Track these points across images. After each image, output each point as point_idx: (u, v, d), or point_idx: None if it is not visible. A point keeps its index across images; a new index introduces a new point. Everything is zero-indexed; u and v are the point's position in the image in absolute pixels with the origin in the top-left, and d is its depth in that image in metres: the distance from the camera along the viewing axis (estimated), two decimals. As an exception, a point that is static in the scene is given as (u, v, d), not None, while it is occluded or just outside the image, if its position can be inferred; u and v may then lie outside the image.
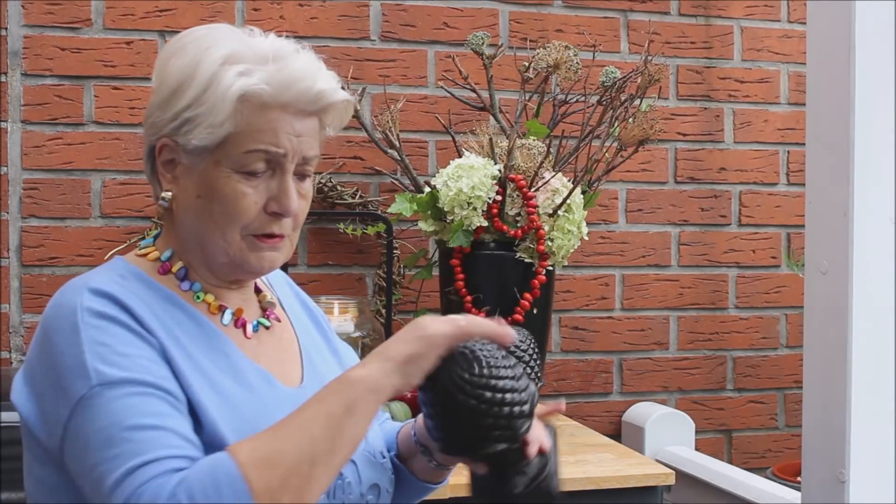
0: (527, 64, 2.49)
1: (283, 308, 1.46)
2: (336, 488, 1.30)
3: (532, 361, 2.12)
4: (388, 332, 2.43)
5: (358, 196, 2.60)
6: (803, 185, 2.07)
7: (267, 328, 1.39)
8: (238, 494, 1.09)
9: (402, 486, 1.44)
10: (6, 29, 2.42)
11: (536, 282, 2.29)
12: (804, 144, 2.02)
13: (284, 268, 1.46)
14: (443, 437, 1.22)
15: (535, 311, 2.29)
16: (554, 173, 2.34)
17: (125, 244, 2.46)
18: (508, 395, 1.17)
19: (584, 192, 2.38)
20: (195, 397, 1.21)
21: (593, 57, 2.56)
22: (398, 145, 2.43)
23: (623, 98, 2.48)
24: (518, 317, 2.27)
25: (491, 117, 2.55)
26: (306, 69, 1.28)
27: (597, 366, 2.82)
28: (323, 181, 2.53)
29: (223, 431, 1.21)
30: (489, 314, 2.26)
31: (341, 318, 2.36)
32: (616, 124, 2.45)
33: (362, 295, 2.60)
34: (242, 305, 1.36)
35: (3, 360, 2.41)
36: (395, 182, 2.58)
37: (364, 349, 2.30)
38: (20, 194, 2.43)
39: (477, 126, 2.42)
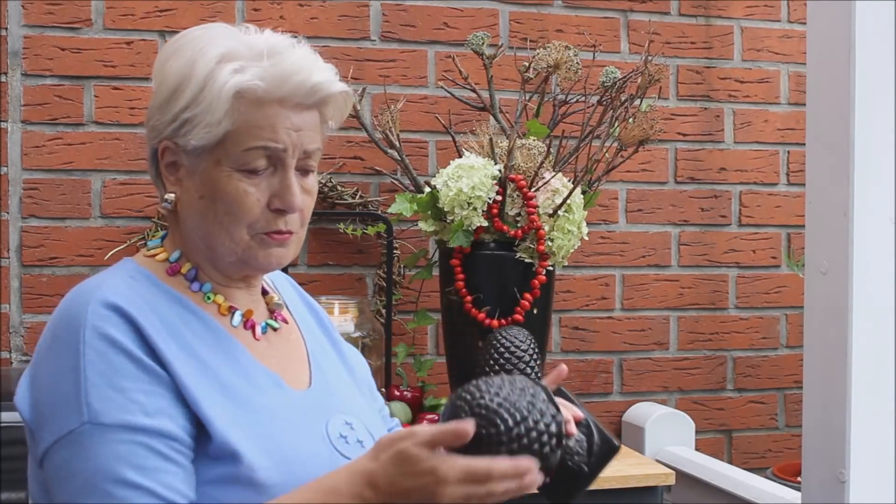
0: (527, 64, 2.49)
1: (288, 310, 1.46)
2: None
3: (532, 361, 2.14)
4: (389, 332, 2.43)
5: (358, 196, 2.60)
6: (803, 185, 2.07)
7: (275, 330, 1.39)
8: None
9: None
10: (6, 29, 2.42)
11: (536, 282, 2.28)
12: (804, 144, 2.02)
13: (284, 269, 1.46)
14: None
15: (535, 312, 2.29)
16: (554, 173, 2.34)
17: (125, 244, 2.46)
18: (534, 434, 1.15)
19: (584, 193, 2.38)
20: (203, 407, 1.21)
21: (593, 57, 2.56)
22: (398, 145, 2.43)
23: (623, 98, 2.48)
24: (518, 317, 2.26)
25: (491, 117, 2.55)
26: (302, 62, 1.27)
27: (597, 366, 2.82)
28: (323, 181, 2.53)
29: (234, 439, 1.20)
30: (489, 314, 2.27)
31: (341, 318, 2.36)
32: (616, 124, 2.45)
33: (362, 295, 2.60)
34: (251, 307, 1.36)
35: (3, 360, 2.41)
36: (395, 182, 2.58)
37: (364, 349, 2.30)
38: (20, 194, 2.43)
39: (477, 126, 2.42)
